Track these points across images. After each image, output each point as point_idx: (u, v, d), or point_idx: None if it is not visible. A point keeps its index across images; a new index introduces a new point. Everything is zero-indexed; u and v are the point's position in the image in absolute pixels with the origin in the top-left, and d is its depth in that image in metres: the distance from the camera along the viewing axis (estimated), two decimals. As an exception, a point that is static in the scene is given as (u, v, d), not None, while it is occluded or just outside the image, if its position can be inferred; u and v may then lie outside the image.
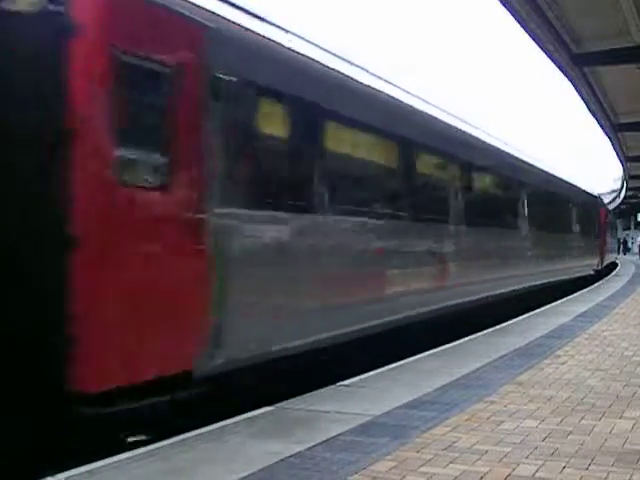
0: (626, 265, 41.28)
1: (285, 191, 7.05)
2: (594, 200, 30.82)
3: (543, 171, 19.52)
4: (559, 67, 17.37)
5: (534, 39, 15.30)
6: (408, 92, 10.65)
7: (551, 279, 19.15)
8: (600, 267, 29.73)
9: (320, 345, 7.26)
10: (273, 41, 7.03)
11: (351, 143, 8.52)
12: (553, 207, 20.16)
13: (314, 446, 4.79)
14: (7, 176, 4.75)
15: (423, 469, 4.33)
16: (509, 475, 4.21)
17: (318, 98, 7.43)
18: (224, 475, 4.24)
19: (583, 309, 14.88)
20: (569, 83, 18.95)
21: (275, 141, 6.93)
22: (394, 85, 10.31)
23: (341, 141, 8.19)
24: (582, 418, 5.56)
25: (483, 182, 13.97)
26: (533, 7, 13.46)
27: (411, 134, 9.82)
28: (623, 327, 11.64)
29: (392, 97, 9.74)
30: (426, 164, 10.91)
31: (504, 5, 13.39)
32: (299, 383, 6.79)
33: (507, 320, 12.62)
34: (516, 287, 15.17)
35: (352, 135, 8.49)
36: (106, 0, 4.97)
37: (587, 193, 28.53)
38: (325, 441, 4.91)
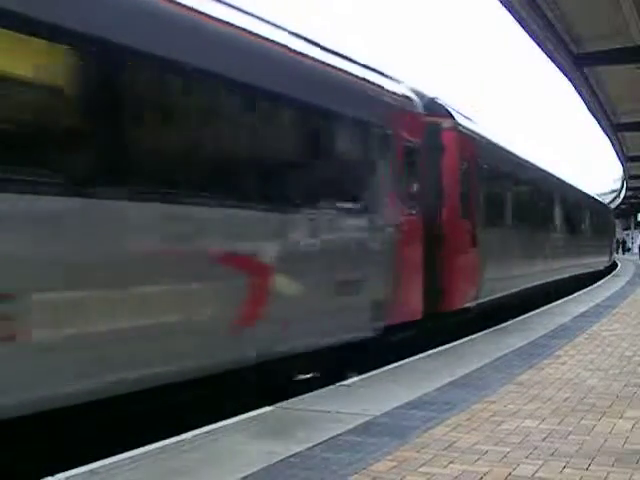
0: (626, 265, 41.23)
1: None
2: (406, 106, 10.06)
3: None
4: (559, 67, 17.39)
5: (534, 40, 15.33)
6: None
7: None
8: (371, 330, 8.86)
9: None
10: None
11: None
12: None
13: (314, 446, 4.79)
14: None
15: (423, 469, 4.33)
16: (509, 475, 4.21)
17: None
18: (224, 475, 4.24)
19: (583, 309, 14.88)
20: (569, 83, 18.96)
21: None
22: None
23: None
24: (582, 418, 5.56)
25: None
26: (533, 8, 13.48)
27: None
28: (623, 327, 11.64)
29: None
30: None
31: (505, 6, 13.41)
32: (299, 383, 6.79)
33: (507, 320, 12.63)
34: None
35: None
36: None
37: (379, 90, 9.38)
38: (325, 441, 4.91)
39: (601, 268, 31.32)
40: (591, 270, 27.56)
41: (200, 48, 6.16)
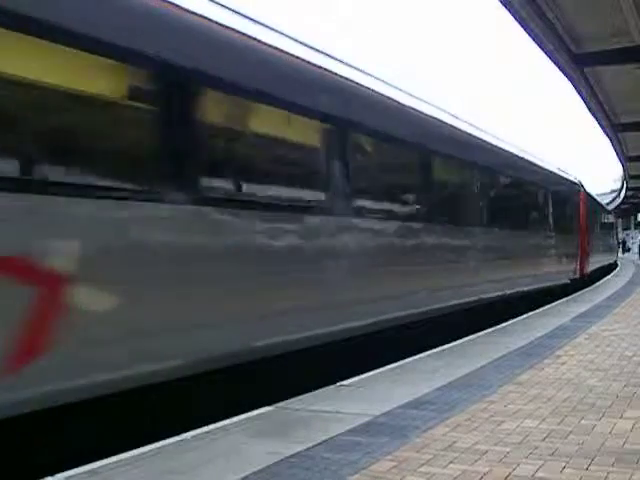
0: (626, 265, 41.19)
1: None
2: None
3: None
4: (559, 67, 17.38)
5: (534, 40, 15.31)
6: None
7: None
8: None
9: None
10: None
11: None
12: None
13: (314, 446, 4.79)
14: None
15: (423, 469, 4.33)
16: (509, 475, 4.21)
17: None
18: (224, 475, 4.24)
19: (583, 309, 14.88)
20: (569, 83, 18.96)
21: None
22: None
23: None
24: (582, 418, 5.55)
25: None
26: (533, 8, 13.48)
27: None
28: (623, 327, 11.64)
29: None
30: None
31: (505, 6, 13.41)
32: (299, 383, 6.80)
33: (508, 320, 12.64)
34: None
35: None
36: None
37: None
38: (325, 441, 4.91)
39: (565, 281, 20.93)
40: (532, 287, 16.71)
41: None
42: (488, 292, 13.39)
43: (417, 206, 10.76)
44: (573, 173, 24.92)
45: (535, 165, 18.45)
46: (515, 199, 16.18)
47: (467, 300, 12.24)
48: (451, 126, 12.47)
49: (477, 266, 12.81)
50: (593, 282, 24.63)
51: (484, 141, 14.25)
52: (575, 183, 24.41)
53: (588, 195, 27.42)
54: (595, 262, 28.41)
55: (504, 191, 15.42)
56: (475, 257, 12.82)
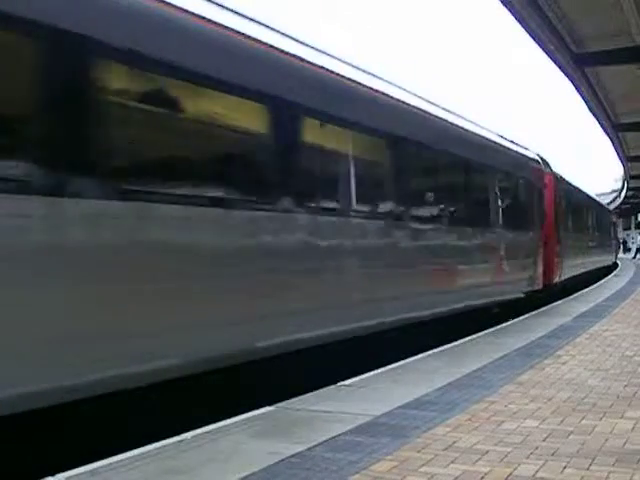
0: (626, 265, 41.18)
1: None
2: None
3: None
4: (560, 67, 17.39)
5: (535, 40, 15.33)
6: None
7: None
8: None
9: None
10: None
11: None
12: None
13: (314, 446, 4.78)
14: None
15: (424, 469, 4.32)
16: (510, 475, 4.20)
17: None
18: (224, 475, 4.23)
19: (583, 309, 14.88)
20: (570, 83, 18.97)
21: None
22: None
23: None
24: (583, 418, 5.55)
25: None
26: (534, 8, 13.50)
27: None
28: (624, 327, 11.63)
29: None
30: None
31: (505, 6, 13.42)
32: (299, 383, 6.79)
33: (507, 320, 12.63)
34: None
35: None
36: None
37: None
38: (325, 441, 4.91)
39: (518, 295, 14.95)
40: (448, 308, 11.07)
41: None
42: (356, 321, 8.34)
43: None
44: (534, 148, 18.19)
45: (459, 129, 12.35)
46: (419, 177, 10.52)
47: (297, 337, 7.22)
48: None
49: (345, 279, 8.27)
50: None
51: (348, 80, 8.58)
52: (534, 160, 17.41)
53: (561, 179, 20.45)
54: (575, 267, 21.77)
55: (404, 164, 9.75)
56: (343, 265, 8.27)
